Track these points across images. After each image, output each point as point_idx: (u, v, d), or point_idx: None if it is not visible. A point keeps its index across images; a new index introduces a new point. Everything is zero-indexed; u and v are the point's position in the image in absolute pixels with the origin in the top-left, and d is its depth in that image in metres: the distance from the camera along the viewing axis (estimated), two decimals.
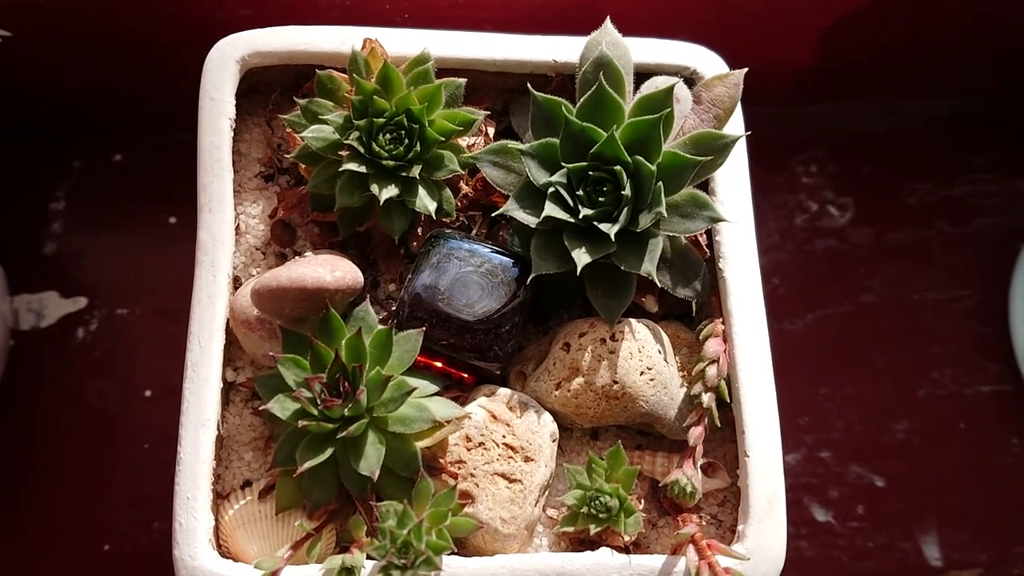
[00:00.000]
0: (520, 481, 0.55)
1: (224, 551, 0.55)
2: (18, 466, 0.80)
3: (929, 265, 0.90)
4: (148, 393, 0.83)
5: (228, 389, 0.58)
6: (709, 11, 0.80)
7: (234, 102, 0.60)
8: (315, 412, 0.51)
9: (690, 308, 0.61)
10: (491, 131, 0.62)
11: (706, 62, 0.63)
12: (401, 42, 0.60)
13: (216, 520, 0.55)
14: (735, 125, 0.62)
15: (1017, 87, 0.93)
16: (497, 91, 0.65)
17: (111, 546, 0.79)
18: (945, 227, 0.92)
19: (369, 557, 0.52)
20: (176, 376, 0.81)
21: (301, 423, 0.51)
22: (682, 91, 0.60)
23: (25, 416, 0.81)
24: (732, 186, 0.61)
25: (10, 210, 0.85)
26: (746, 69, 0.60)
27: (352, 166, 0.55)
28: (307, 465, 0.51)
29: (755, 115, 0.70)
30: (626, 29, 0.60)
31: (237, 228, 0.60)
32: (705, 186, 0.61)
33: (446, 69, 0.61)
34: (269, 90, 0.63)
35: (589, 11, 0.76)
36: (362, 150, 0.55)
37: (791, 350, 0.87)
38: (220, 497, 0.56)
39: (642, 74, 0.61)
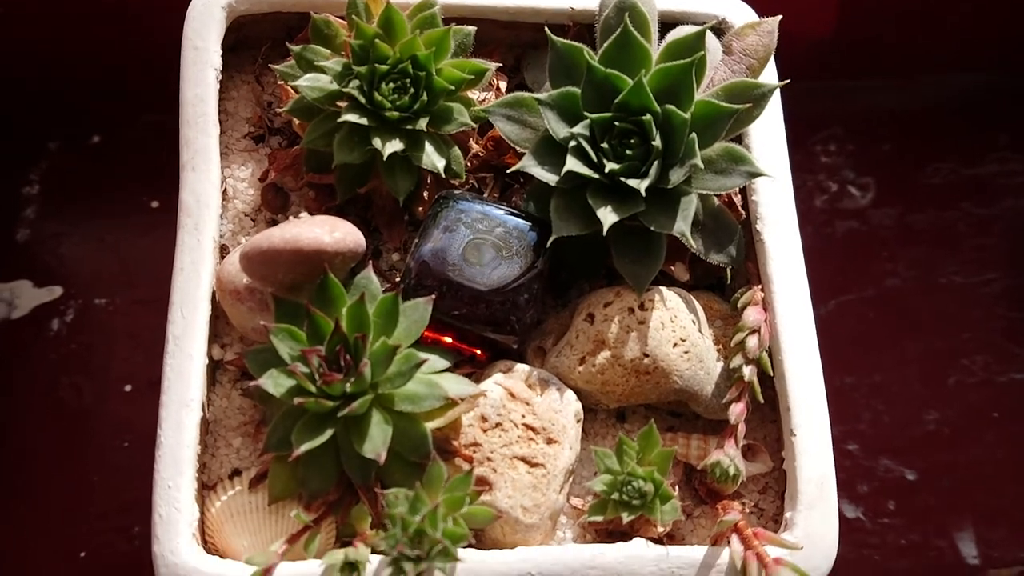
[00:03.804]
0: (543, 465, 0.50)
1: (210, 547, 0.50)
2: None
3: (955, 247, 0.88)
4: (127, 388, 0.80)
5: (214, 368, 0.54)
6: None
7: (220, 52, 0.56)
8: (313, 388, 0.47)
9: (721, 279, 0.57)
10: (503, 86, 0.58)
11: (735, 10, 0.60)
12: None
13: (201, 513, 0.50)
14: (769, 76, 0.59)
15: None
16: (507, 46, 0.61)
17: (87, 553, 0.75)
18: (971, 208, 0.90)
19: (375, 551, 0.47)
20: (157, 370, 0.78)
21: (297, 400, 0.47)
22: (711, 41, 0.56)
23: None
24: (768, 141, 0.58)
25: None
26: (780, 16, 0.56)
27: (352, 117, 0.51)
28: (304, 448, 0.46)
29: None
30: None
31: (224, 193, 0.56)
32: (738, 142, 0.58)
33: (453, 18, 0.57)
34: (258, 44, 0.60)
35: None
36: (363, 100, 0.51)
37: None
38: (206, 488, 0.52)
39: (666, 24, 0.58)
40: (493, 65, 0.54)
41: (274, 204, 0.56)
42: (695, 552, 0.48)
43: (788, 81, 0.54)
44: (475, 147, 0.57)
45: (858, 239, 0.88)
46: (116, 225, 0.85)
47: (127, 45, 0.80)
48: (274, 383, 0.47)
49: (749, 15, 0.60)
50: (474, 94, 0.56)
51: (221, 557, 0.49)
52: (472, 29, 0.55)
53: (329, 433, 0.47)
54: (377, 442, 0.47)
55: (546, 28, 0.53)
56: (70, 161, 0.86)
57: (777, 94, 0.57)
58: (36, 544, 0.75)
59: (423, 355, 0.48)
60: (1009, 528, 0.80)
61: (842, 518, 0.79)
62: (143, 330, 0.80)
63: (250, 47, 0.59)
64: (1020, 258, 0.87)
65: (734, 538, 0.48)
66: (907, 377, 0.84)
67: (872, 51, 0.90)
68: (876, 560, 0.78)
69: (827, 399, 0.82)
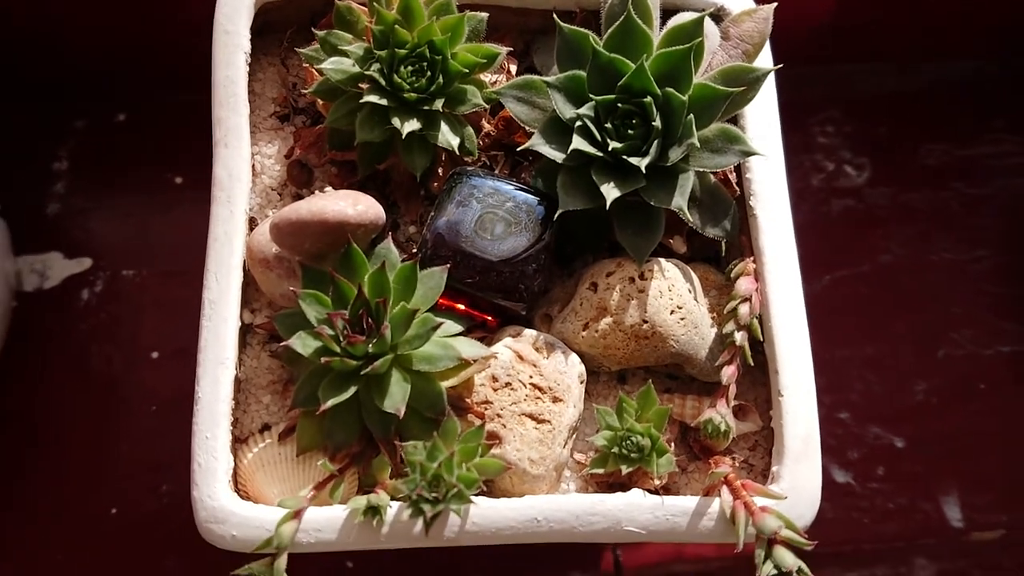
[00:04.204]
0: (549, 421, 0.53)
1: (243, 494, 0.53)
2: (22, 430, 0.80)
3: (947, 226, 0.90)
4: (155, 355, 0.82)
5: (245, 332, 0.57)
6: None
7: (249, 36, 0.58)
8: (338, 349, 0.50)
9: (717, 252, 0.60)
10: (513, 69, 0.61)
11: None
12: None
13: (234, 464, 0.54)
14: (764, 60, 0.61)
15: None
16: (518, 32, 0.64)
17: (118, 510, 0.78)
18: (963, 188, 0.91)
19: (394, 498, 0.51)
20: (183, 338, 0.81)
21: (323, 360, 0.50)
22: (709, 27, 0.59)
23: (29, 379, 0.81)
24: (762, 122, 0.60)
25: (13, 170, 0.85)
26: (775, 3, 0.58)
27: (373, 99, 0.53)
28: (330, 403, 0.49)
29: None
30: None
31: (252, 168, 0.59)
32: (734, 122, 0.60)
33: (467, 5, 0.59)
34: (283, 28, 0.62)
35: None
36: (383, 82, 0.54)
37: (809, 311, 0.85)
38: (238, 441, 0.55)
39: (667, 11, 0.60)
40: (504, 49, 0.57)
41: (299, 179, 0.59)
42: (688, 502, 0.52)
43: (781, 66, 0.57)
44: (487, 126, 0.59)
45: (853, 217, 0.90)
46: (141, 200, 0.87)
47: (150, 30, 0.82)
48: (302, 344, 0.50)
49: (746, 2, 0.62)
50: (487, 77, 0.58)
51: (254, 503, 0.52)
52: (485, 15, 0.57)
53: (353, 390, 0.50)
54: (397, 398, 0.50)
55: (554, 15, 0.55)
56: (97, 139, 0.88)
57: (771, 77, 0.59)
58: (71, 501, 0.78)
59: (439, 319, 0.52)
60: (992, 494, 0.82)
61: (833, 483, 0.83)
62: (168, 300, 0.83)
63: (275, 31, 0.62)
64: (1009, 236, 0.89)
65: (724, 489, 0.52)
66: (898, 349, 0.86)
67: (869, 37, 0.91)
68: (865, 523, 0.81)
69: (821, 370, 0.85)
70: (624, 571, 0.77)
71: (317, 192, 0.58)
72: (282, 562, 0.48)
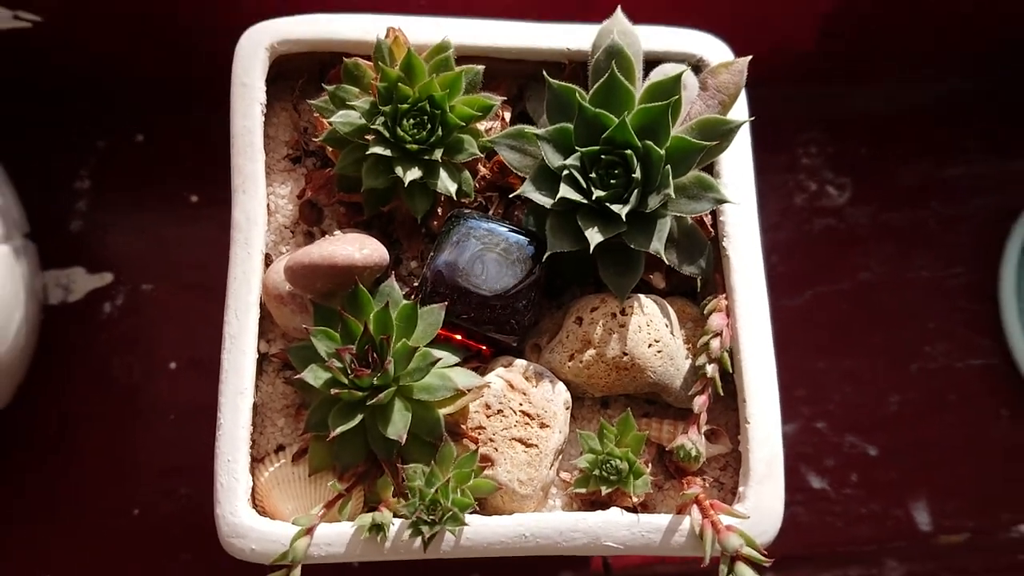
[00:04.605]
0: (536, 446, 0.58)
1: (260, 510, 0.58)
2: (49, 435, 0.82)
3: (924, 244, 0.92)
4: (173, 365, 0.85)
5: (261, 360, 0.61)
6: None
7: (264, 88, 0.62)
8: (346, 381, 0.54)
9: (695, 285, 0.64)
10: (507, 115, 0.65)
11: (712, 49, 0.65)
12: (422, 30, 0.63)
13: (252, 482, 0.58)
14: (739, 110, 0.64)
15: (1008, 72, 0.95)
16: (513, 77, 0.67)
17: (140, 511, 0.81)
18: (940, 207, 0.94)
19: (396, 515, 0.55)
20: (199, 349, 0.85)
21: (333, 391, 0.54)
22: (689, 78, 0.62)
23: (54, 387, 0.83)
24: (736, 168, 0.63)
25: (38, 189, 0.87)
26: (750, 57, 0.62)
27: (378, 150, 0.57)
28: (339, 430, 0.54)
29: (758, 98, 0.72)
30: (638, 11, 0.61)
31: (267, 208, 0.62)
32: (710, 168, 0.64)
33: (465, 56, 0.63)
34: (295, 76, 0.66)
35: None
36: (387, 135, 0.58)
37: (790, 326, 0.89)
38: (255, 460, 0.59)
39: (651, 61, 0.63)
40: (498, 99, 0.60)
41: (310, 218, 0.64)
42: (661, 520, 0.56)
43: (753, 119, 0.61)
44: (483, 170, 0.63)
45: (835, 235, 0.91)
46: (159, 217, 0.88)
47: (168, 60, 0.85)
48: (314, 376, 0.55)
49: (725, 54, 0.65)
50: (482, 125, 0.62)
51: (270, 518, 0.56)
52: (481, 68, 0.60)
53: (359, 418, 0.55)
54: (399, 426, 0.55)
55: (544, 72, 0.59)
56: (117, 159, 0.89)
57: (746, 127, 0.63)
58: (94, 503, 0.81)
59: (437, 354, 0.56)
60: (960, 500, 0.85)
61: (810, 488, 0.87)
62: (186, 313, 0.86)
63: (287, 78, 0.65)
64: (983, 254, 0.92)
65: (694, 508, 0.56)
66: (874, 363, 0.89)
67: (850, 62, 0.93)
68: (839, 526, 0.85)
69: (802, 382, 0.88)
70: (613, 571, 0.82)
71: (327, 236, 0.62)
72: (296, 573, 0.53)
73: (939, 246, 0.92)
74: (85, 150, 0.90)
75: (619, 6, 0.61)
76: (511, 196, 0.60)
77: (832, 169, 0.94)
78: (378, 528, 0.53)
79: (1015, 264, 0.89)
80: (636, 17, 0.62)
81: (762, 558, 0.53)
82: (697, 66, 0.65)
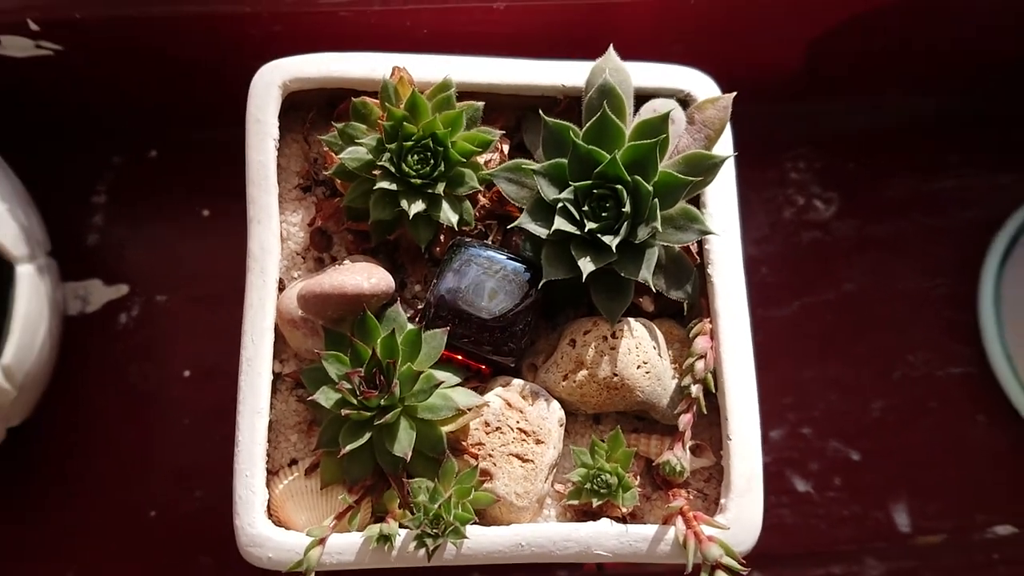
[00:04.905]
0: (532, 461, 0.62)
1: (275, 521, 0.60)
2: (68, 440, 0.85)
3: (907, 256, 0.94)
4: (187, 373, 0.87)
5: (275, 379, 0.63)
6: (710, 21, 0.84)
7: (277, 123, 0.65)
8: (355, 401, 0.57)
9: (682, 308, 0.66)
10: (506, 148, 0.68)
11: (699, 85, 0.68)
12: (426, 68, 0.66)
13: (268, 494, 0.61)
14: (724, 144, 0.67)
15: (989, 90, 0.97)
16: (511, 110, 0.70)
17: (156, 512, 0.84)
18: (923, 220, 0.95)
19: (402, 526, 0.59)
20: (212, 358, 0.88)
21: (343, 411, 0.57)
22: (677, 113, 0.64)
23: (72, 395, 0.85)
24: (720, 199, 0.66)
25: (56, 204, 0.89)
26: (735, 93, 0.64)
27: (385, 184, 0.61)
28: (349, 448, 0.58)
29: (748, 115, 0.75)
30: (630, 38, 0.63)
31: (280, 236, 0.66)
32: (697, 200, 0.67)
33: (466, 92, 0.66)
34: (305, 109, 0.69)
35: (597, 25, 0.82)
36: (393, 170, 0.61)
37: (778, 335, 0.92)
38: (270, 473, 0.61)
39: (642, 96, 0.66)
40: (497, 133, 0.63)
41: (320, 244, 0.67)
42: (648, 530, 0.59)
43: (736, 154, 0.64)
44: (483, 199, 0.66)
45: (821, 248, 0.93)
46: (172, 231, 0.90)
47: (179, 85, 0.87)
48: (325, 397, 0.58)
49: (712, 89, 0.68)
50: (482, 157, 0.66)
51: (285, 527, 0.59)
52: (481, 104, 0.64)
53: (367, 436, 0.57)
54: (404, 444, 0.58)
55: (540, 110, 0.62)
56: (132, 174, 0.91)
57: (730, 161, 0.66)
58: (112, 505, 0.83)
59: (440, 375, 0.59)
60: (938, 502, 0.88)
61: (794, 491, 0.89)
62: (198, 323, 0.87)
63: (298, 110, 0.68)
64: (966, 265, 0.93)
65: (679, 519, 0.60)
66: (858, 370, 0.90)
67: (836, 81, 0.95)
68: (822, 528, 0.87)
69: (789, 390, 0.91)
70: (605, 571, 0.85)
71: (336, 262, 0.65)
72: None
73: (922, 258, 0.93)
74: (101, 166, 0.92)
75: (611, 45, 0.64)
76: (510, 228, 0.63)
77: (820, 184, 0.96)
78: (385, 539, 0.57)
79: (994, 275, 0.91)
80: (628, 47, 0.65)
81: (740, 568, 0.57)
82: (685, 100, 0.68)
